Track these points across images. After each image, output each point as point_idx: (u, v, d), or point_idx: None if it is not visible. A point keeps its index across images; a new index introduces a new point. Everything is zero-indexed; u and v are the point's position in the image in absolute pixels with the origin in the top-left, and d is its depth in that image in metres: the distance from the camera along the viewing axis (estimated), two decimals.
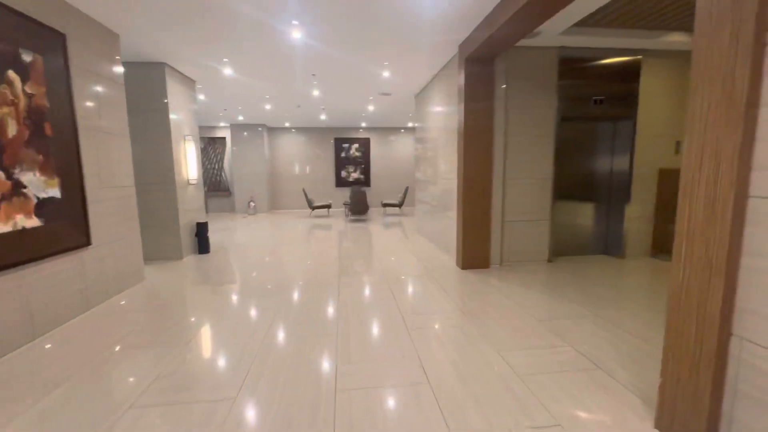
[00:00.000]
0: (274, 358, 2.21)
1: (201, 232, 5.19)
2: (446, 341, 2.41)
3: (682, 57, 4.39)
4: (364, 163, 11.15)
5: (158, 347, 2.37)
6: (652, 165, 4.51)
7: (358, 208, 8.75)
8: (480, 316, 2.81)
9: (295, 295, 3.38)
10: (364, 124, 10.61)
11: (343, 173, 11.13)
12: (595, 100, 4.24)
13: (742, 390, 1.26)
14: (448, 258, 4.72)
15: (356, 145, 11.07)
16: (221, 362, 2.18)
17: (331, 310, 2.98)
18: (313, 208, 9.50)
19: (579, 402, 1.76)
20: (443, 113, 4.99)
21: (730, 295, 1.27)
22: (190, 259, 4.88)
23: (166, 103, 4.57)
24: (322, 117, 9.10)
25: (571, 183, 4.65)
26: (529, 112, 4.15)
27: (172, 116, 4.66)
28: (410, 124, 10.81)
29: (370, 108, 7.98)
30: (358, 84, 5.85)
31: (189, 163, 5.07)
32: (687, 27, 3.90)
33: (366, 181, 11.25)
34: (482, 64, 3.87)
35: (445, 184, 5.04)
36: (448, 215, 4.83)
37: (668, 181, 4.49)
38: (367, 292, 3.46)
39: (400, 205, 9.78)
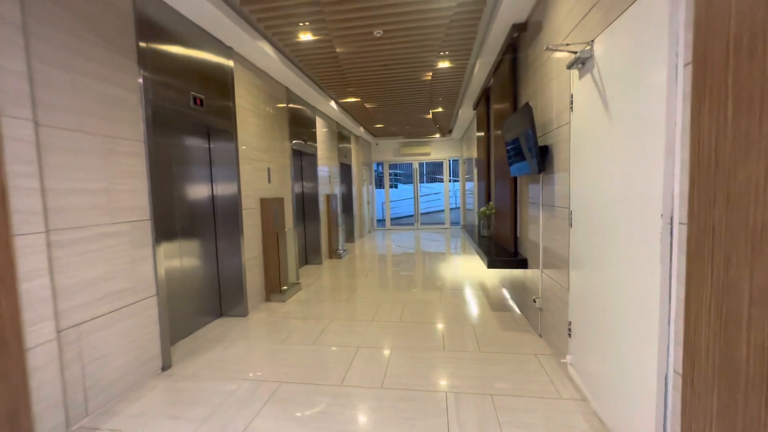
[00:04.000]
0: None
1: None
2: None
3: (267, 78, 4.03)
4: None
5: None
6: (255, 193, 3.82)
7: None
8: None
9: None
10: None
11: None
12: (195, 98, 2.85)
13: None
14: None
15: None
16: None
17: None
18: None
19: None
20: None
21: None
22: None
23: None
24: None
25: (173, 217, 2.92)
26: (90, 91, 2.00)
27: None
28: None
29: None
30: None
31: None
32: (277, 40, 3.52)
33: None
34: None
35: None
36: None
37: (268, 212, 4.00)
38: None
39: None
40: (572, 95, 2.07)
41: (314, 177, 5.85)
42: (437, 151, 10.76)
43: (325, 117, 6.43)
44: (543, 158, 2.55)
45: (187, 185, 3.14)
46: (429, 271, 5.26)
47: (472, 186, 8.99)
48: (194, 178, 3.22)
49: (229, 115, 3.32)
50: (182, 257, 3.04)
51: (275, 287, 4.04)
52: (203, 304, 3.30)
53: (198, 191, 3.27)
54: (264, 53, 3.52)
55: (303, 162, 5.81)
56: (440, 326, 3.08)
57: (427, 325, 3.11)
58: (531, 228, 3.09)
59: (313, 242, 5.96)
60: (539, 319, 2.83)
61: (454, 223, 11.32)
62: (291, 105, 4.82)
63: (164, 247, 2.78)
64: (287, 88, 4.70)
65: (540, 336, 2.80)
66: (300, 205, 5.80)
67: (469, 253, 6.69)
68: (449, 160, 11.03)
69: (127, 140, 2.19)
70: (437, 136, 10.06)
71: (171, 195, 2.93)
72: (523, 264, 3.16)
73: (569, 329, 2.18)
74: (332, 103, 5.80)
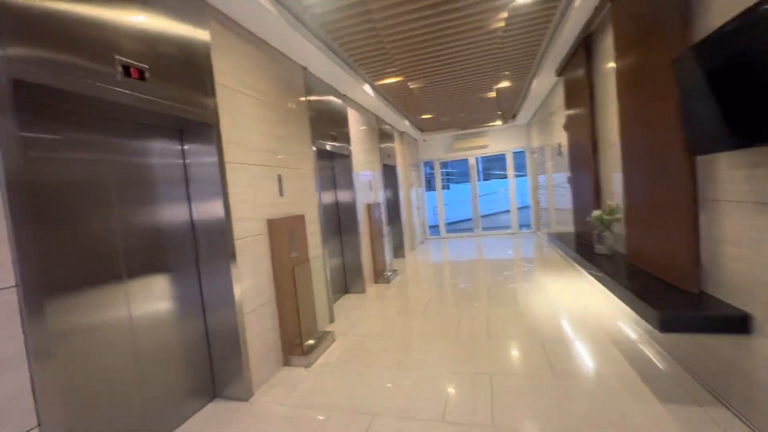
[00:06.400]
0: None
1: None
2: None
3: (274, 52, 2.89)
4: None
5: None
6: (258, 213, 2.66)
7: None
8: None
9: None
10: None
11: None
12: (127, 68, 1.73)
13: None
14: None
15: None
16: None
17: None
18: None
19: None
20: None
21: None
22: None
23: None
24: None
25: (114, 253, 1.83)
26: None
27: None
28: None
29: None
30: None
31: None
32: None
33: None
34: None
35: None
36: None
37: (281, 237, 2.83)
38: None
39: None
40: None
41: (350, 183, 4.64)
42: (496, 142, 9.10)
43: (360, 108, 5.22)
44: None
45: (143, 209, 2.04)
46: (511, 302, 3.77)
47: (544, 180, 7.26)
48: (157, 197, 2.13)
49: (203, 103, 2.19)
50: (131, 305, 1.92)
51: (295, 344, 2.84)
52: (183, 380, 2.17)
53: (162, 214, 2.16)
54: (259, 7, 2.35)
55: (335, 167, 4.64)
56: None
57: None
58: (753, 253, 1.54)
59: (353, 264, 4.75)
60: None
61: (523, 226, 9.51)
62: (312, 95, 3.65)
63: (81, 299, 1.68)
64: (305, 68, 3.54)
65: None
66: (334, 219, 4.63)
67: (554, 266, 5.04)
68: (512, 152, 9.29)
69: None
70: (497, 123, 8.41)
71: (107, 225, 1.84)
72: (740, 325, 1.61)
73: None
74: (367, 87, 4.57)
